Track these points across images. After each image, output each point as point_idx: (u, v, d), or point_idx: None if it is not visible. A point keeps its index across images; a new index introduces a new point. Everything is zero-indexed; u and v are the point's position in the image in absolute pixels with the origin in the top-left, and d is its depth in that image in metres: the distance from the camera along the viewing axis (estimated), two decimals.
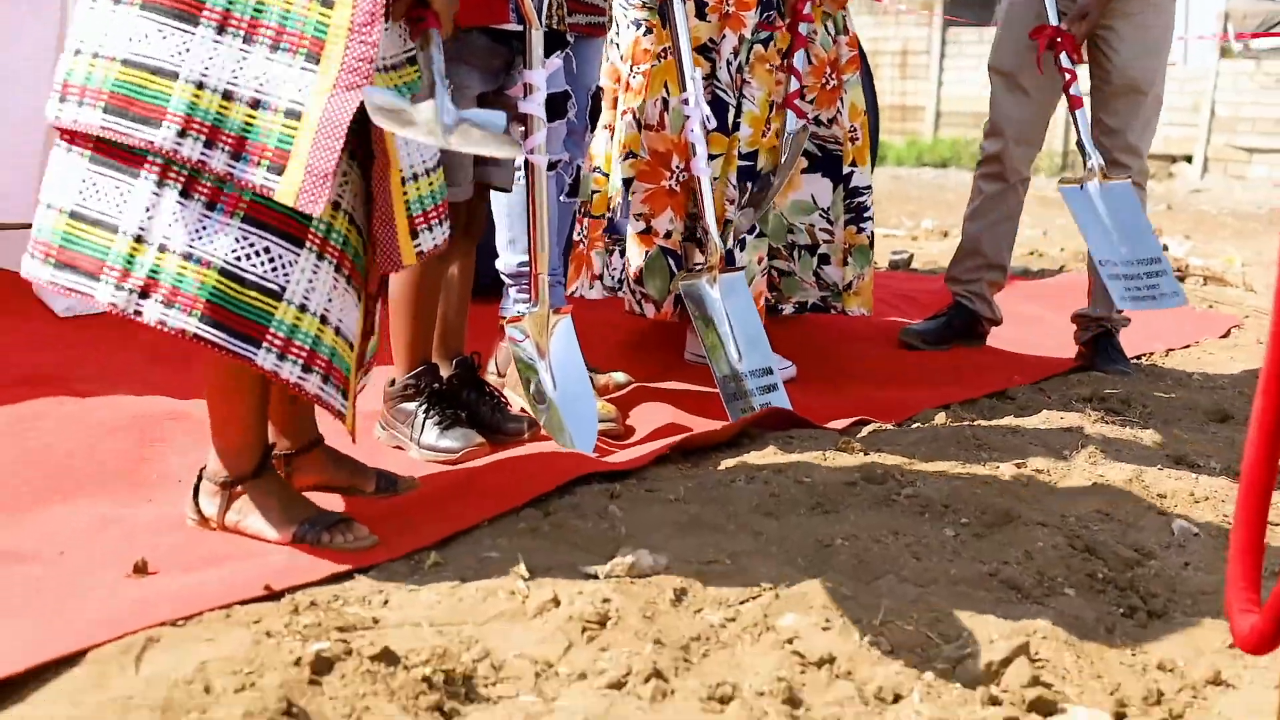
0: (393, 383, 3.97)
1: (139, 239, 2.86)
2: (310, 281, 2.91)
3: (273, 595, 2.74)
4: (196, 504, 3.17)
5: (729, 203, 4.86)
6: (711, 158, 4.81)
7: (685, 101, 4.60)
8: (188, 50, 2.86)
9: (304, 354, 2.92)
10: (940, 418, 4.48)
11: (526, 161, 3.89)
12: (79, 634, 2.48)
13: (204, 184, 2.88)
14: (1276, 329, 2.06)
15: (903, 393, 4.80)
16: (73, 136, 2.92)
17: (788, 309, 5.22)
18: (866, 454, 3.92)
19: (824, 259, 5.20)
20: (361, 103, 2.83)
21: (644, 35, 4.79)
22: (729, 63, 4.87)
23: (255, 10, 2.88)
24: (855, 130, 5.18)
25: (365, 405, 4.15)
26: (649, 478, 3.63)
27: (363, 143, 2.99)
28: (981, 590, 2.99)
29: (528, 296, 4.04)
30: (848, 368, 5.29)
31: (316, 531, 3.04)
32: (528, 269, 4.04)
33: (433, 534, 3.10)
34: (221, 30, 2.87)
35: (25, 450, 3.56)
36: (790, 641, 2.64)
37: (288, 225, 2.89)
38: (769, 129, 4.95)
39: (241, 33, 2.87)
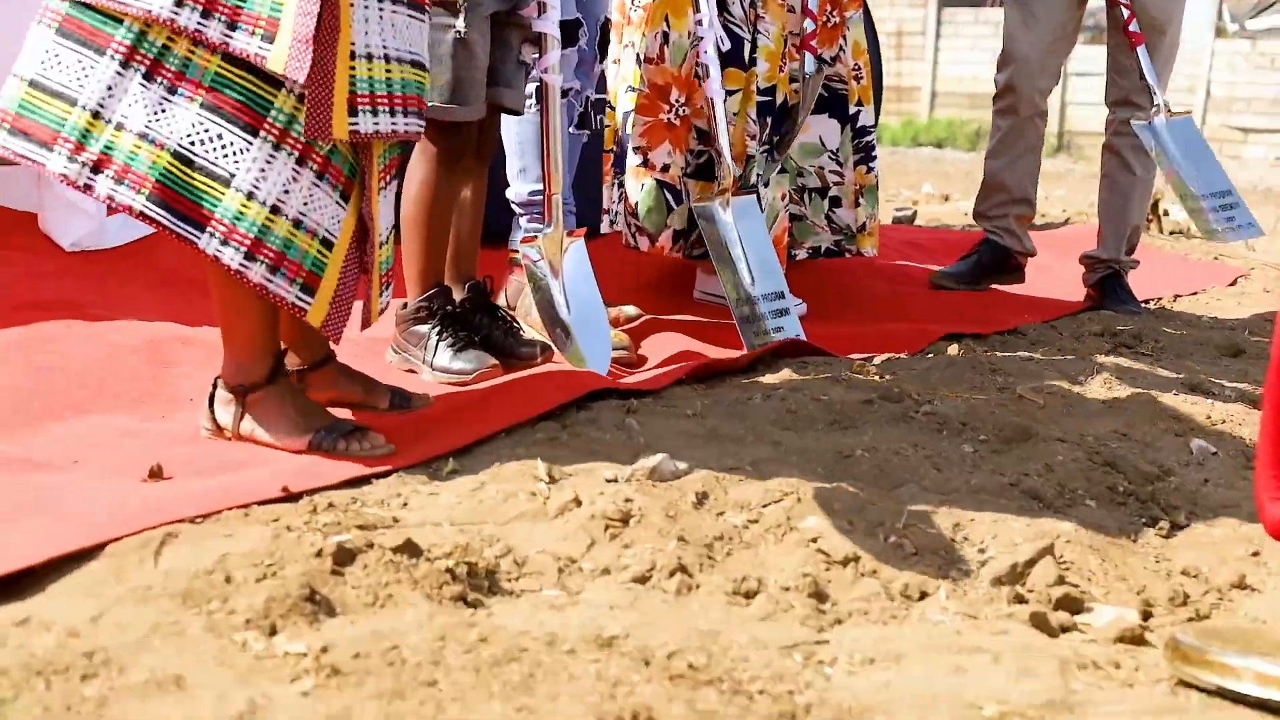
0: (405, 306, 3.94)
1: (96, 115, 2.87)
2: (262, 171, 2.89)
3: (290, 497, 2.71)
4: (212, 413, 3.14)
5: (750, 138, 4.82)
6: (730, 93, 4.77)
7: (699, 23, 4.56)
8: None
9: (248, 241, 2.89)
10: (954, 349, 4.45)
11: (540, 82, 3.85)
12: (96, 530, 2.45)
13: (168, 69, 2.87)
14: None
15: (915, 326, 4.77)
16: (45, 10, 2.92)
17: (801, 254, 5.18)
18: (882, 378, 3.90)
19: (835, 201, 5.16)
20: None
21: None
22: (740, 1, 4.83)
23: None
24: (859, 69, 5.13)
25: (378, 330, 4.15)
26: (665, 396, 3.60)
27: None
28: (1003, 499, 2.97)
29: (540, 225, 4.01)
30: (858, 305, 5.26)
31: (333, 439, 3.02)
32: (539, 197, 4.02)
33: (450, 443, 3.07)
34: None
35: (37, 369, 3.53)
36: (814, 541, 2.61)
37: (244, 113, 2.88)
38: (785, 64, 4.91)
39: None
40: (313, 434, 3.04)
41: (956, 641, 2.29)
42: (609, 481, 2.83)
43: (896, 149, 18.34)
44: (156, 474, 2.86)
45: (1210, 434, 3.63)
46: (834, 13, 5.04)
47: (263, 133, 2.90)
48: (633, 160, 4.79)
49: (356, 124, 2.97)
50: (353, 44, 2.93)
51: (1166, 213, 9.28)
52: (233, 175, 2.88)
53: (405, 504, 2.73)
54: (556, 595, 2.40)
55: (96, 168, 2.87)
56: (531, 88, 4.06)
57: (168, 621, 2.13)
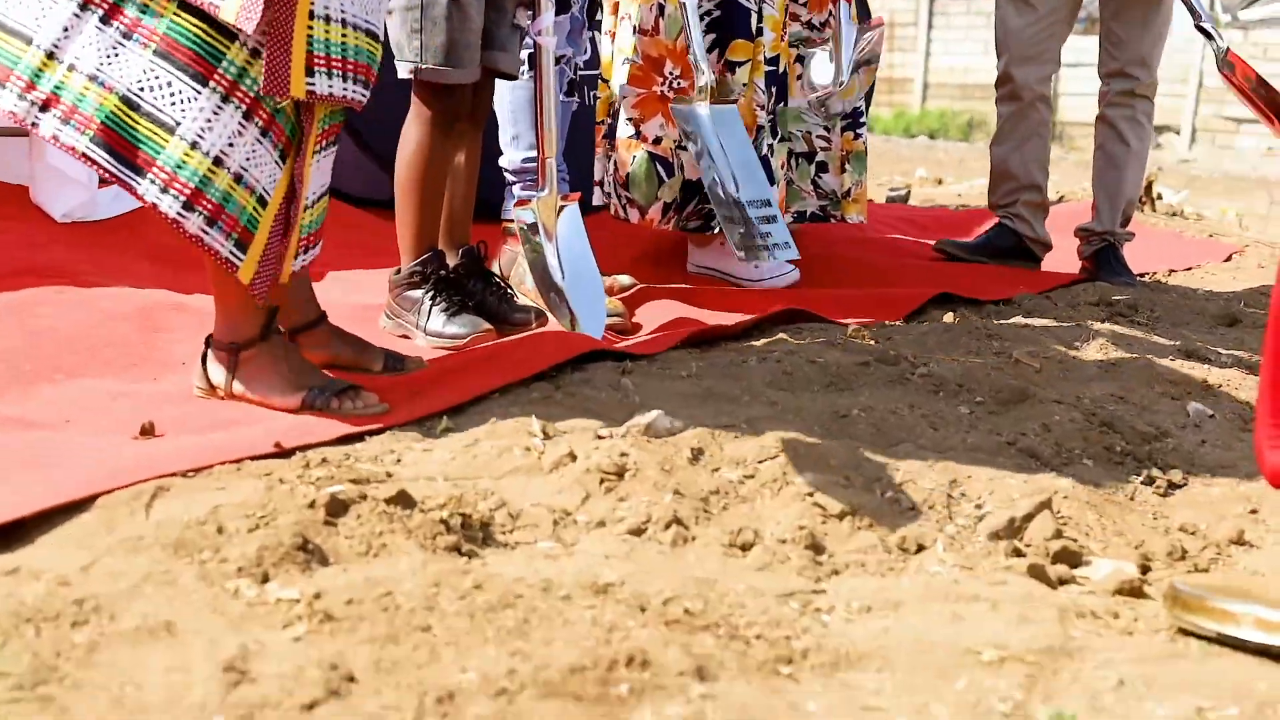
0: (398, 271, 3.92)
1: (50, 55, 2.86)
2: (209, 122, 2.87)
3: (283, 453, 2.69)
4: (205, 373, 3.13)
5: (759, 107, 4.81)
6: (739, 64, 4.76)
7: None
8: None
9: (188, 191, 2.87)
10: (949, 316, 4.44)
11: (534, 45, 3.83)
12: (87, 482, 2.43)
13: (125, 14, 2.86)
14: None
15: (909, 291, 4.75)
16: None
17: (787, 218, 5.16)
18: (878, 342, 3.88)
19: (822, 167, 5.14)
20: None
21: None
22: None
23: None
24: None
25: (371, 298, 4.13)
26: (660, 358, 3.58)
27: None
28: (1000, 457, 2.95)
29: (533, 190, 3.99)
30: (853, 274, 5.24)
31: (325, 397, 3.00)
32: (532, 164, 4.00)
33: (444, 401, 3.05)
34: None
35: (28, 332, 3.52)
36: (810, 495, 2.60)
37: (196, 63, 2.87)
38: (785, 32, 4.90)
39: None
40: (305, 392, 3.02)
41: (954, 590, 2.28)
42: (603, 437, 2.81)
43: (889, 138, 18.33)
44: (148, 431, 2.84)
45: (1207, 397, 3.62)
46: None
47: (212, 83, 2.88)
48: (624, 131, 4.77)
49: (313, 84, 2.94)
50: (312, 4, 2.91)
51: (1160, 196, 9.28)
52: (178, 123, 2.86)
53: (399, 460, 2.71)
54: (551, 546, 2.38)
55: (45, 106, 2.86)
56: (525, 55, 4.04)
57: (159, 570, 2.11)
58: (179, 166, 2.86)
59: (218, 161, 2.89)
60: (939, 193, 9.81)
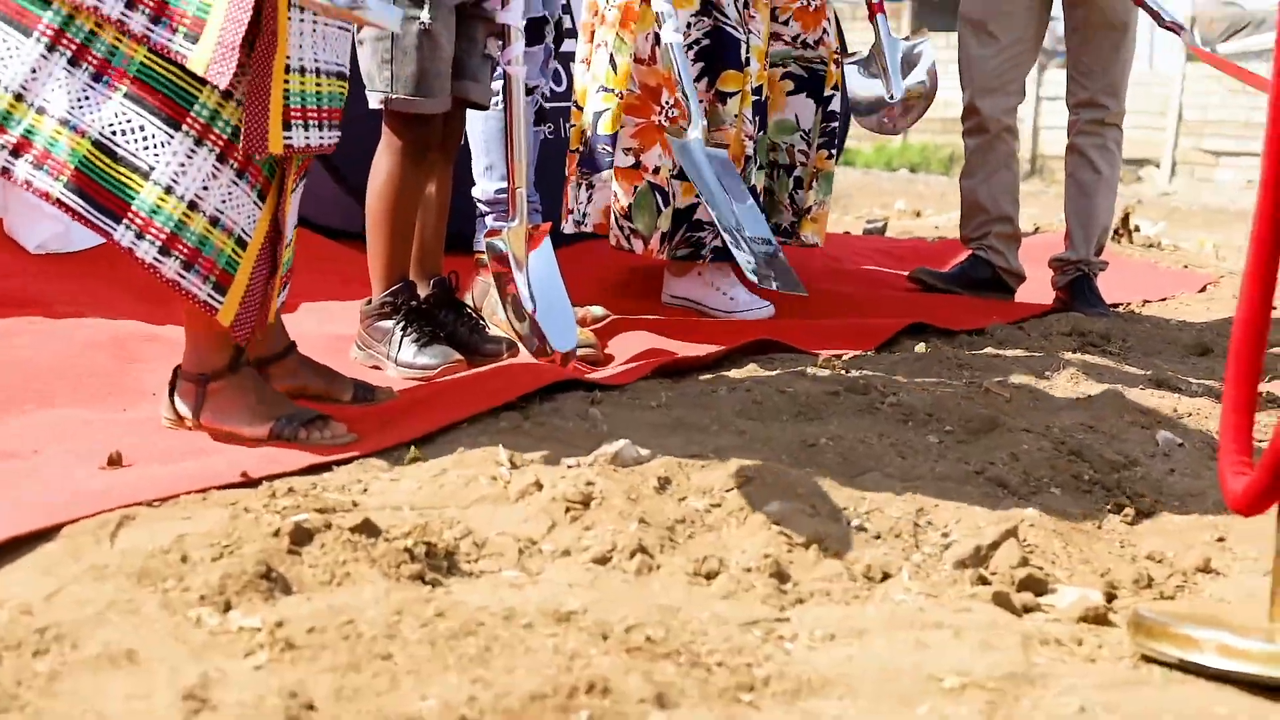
0: (369, 302, 3.92)
1: (19, 97, 2.85)
2: (182, 165, 2.88)
3: (250, 482, 2.70)
4: (173, 404, 3.12)
5: (746, 138, 4.82)
6: (730, 95, 4.78)
7: None
8: None
9: (163, 236, 2.88)
10: (921, 346, 4.44)
11: (505, 75, 3.84)
12: (53, 512, 2.44)
13: (94, 55, 2.86)
14: (1270, 153, 2.04)
15: (881, 321, 4.75)
16: None
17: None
18: (847, 372, 3.89)
19: (799, 182, 5.15)
20: None
21: None
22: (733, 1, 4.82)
23: None
24: (840, 52, 5.15)
25: (343, 329, 4.13)
26: (630, 388, 3.58)
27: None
28: (968, 486, 2.96)
29: (505, 221, 3.99)
30: (824, 303, 5.24)
31: (294, 427, 3.00)
32: (504, 195, 4.00)
33: (412, 431, 3.06)
34: None
35: (1, 363, 3.52)
36: (776, 524, 2.60)
37: (168, 107, 2.87)
38: (766, 61, 4.93)
39: None
40: (273, 423, 3.02)
41: (919, 618, 2.28)
42: (570, 466, 2.81)
43: (870, 171, 18.40)
44: (116, 461, 2.85)
45: (1177, 427, 3.63)
46: None
47: (185, 127, 2.88)
48: (624, 161, 4.75)
49: (290, 138, 2.96)
50: (288, 58, 2.92)
51: (1137, 228, 9.31)
52: (152, 168, 2.87)
53: (365, 489, 2.71)
54: (516, 575, 2.39)
55: (16, 151, 2.85)
56: (497, 85, 4.05)
57: (122, 599, 2.12)
58: (154, 211, 2.87)
59: (193, 205, 2.89)
60: (917, 225, 9.85)
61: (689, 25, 4.63)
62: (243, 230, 2.96)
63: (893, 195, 14.03)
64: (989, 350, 4.50)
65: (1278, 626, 2.16)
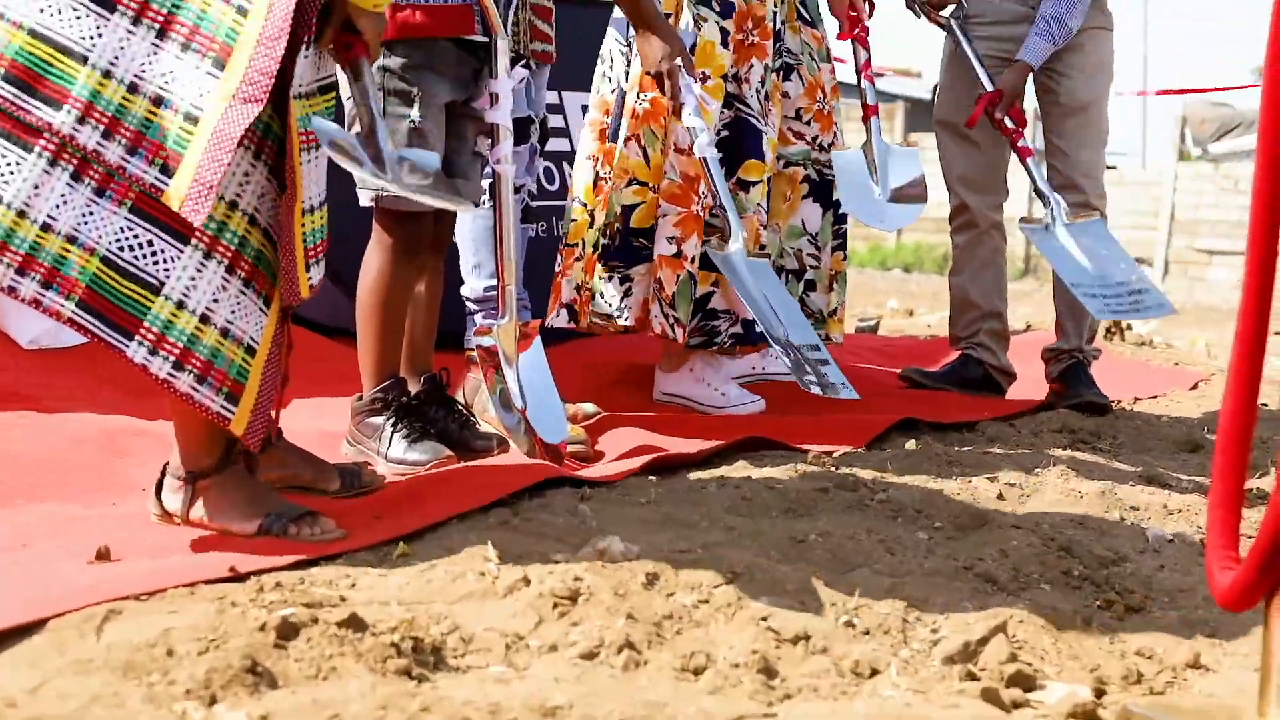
0: (359, 398, 3.93)
1: (22, 214, 2.82)
2: (193, 279, 2.88)
3: (238, 577, 2.69)
4: (160, 500, 3.12)
5: (761, 226, 4.88)
6: (753, 184, 4.84)
7: (687, 88, 4.54)
8: (100, 35, 2.84)
9: (177, 351, 2.88)
10: (911, 443, 4.45)
11: (494, 173, 3.86)
12: (39, 605, 2.44)
13: (96, 169, 2.85)
14: (1252, 253, 2.06)
15: (872, 417, 4.76)
16: None
17: None
18: (838, 468, 3.89)
19: (810, 285, 5.18)
20: (262, 112, 2.84)
21: None
22: (757, 90, 4.88)
23: (174, 6, 2.87)
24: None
25: (334, 425, 4.14)
26: (620, 485, 3.59)
27: (277, 151, 2.96)
28: (957, 582, 2.96)
29: (495, 319, 4.00)
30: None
31: (283, 523, 3.00)
32: (494, 294, 4.02)
33: (401, 527, 3.06)
34: (137, 21, 2.86)
35: None
36: (764, 620, 2.59)
37: (175, 220, 2.86)
38: (779, 159, 5.03)
39: (157, 26, 2.86)
40: (263, 518, 3.02)
41: (906, 714, 2.27)
42: (559, 562, 2.81)
43: (864, 271, 18.45)
44: (104, 556, 2.84)
45: (1167, 522, 3.64)
46: (825, 99, 5.10)
47: (194, 241, 2.88)
48: (667, 250, 4.75)
49: (312, 278, 3.01)
50: (302, 202, 2.95)
51: (1129, 326, 9.34)
52: (163, 283, 2.87)
53: (353, 584, 2.71)
54: (502, 670, 2.38)
55: (21, 269, 2.83)
56: (485, 184, 4.08)
57: (108, 693, 2.11)
58: (167, 327, 2.87)
59: (205, 319, 2.90)
60: (909, 324, 9.88)
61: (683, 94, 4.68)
62: (251, 338, 2.96)
63: (886, 294, 14.07)
64: (980, 446, 4.51)
65: None
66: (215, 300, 2.90)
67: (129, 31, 2.85)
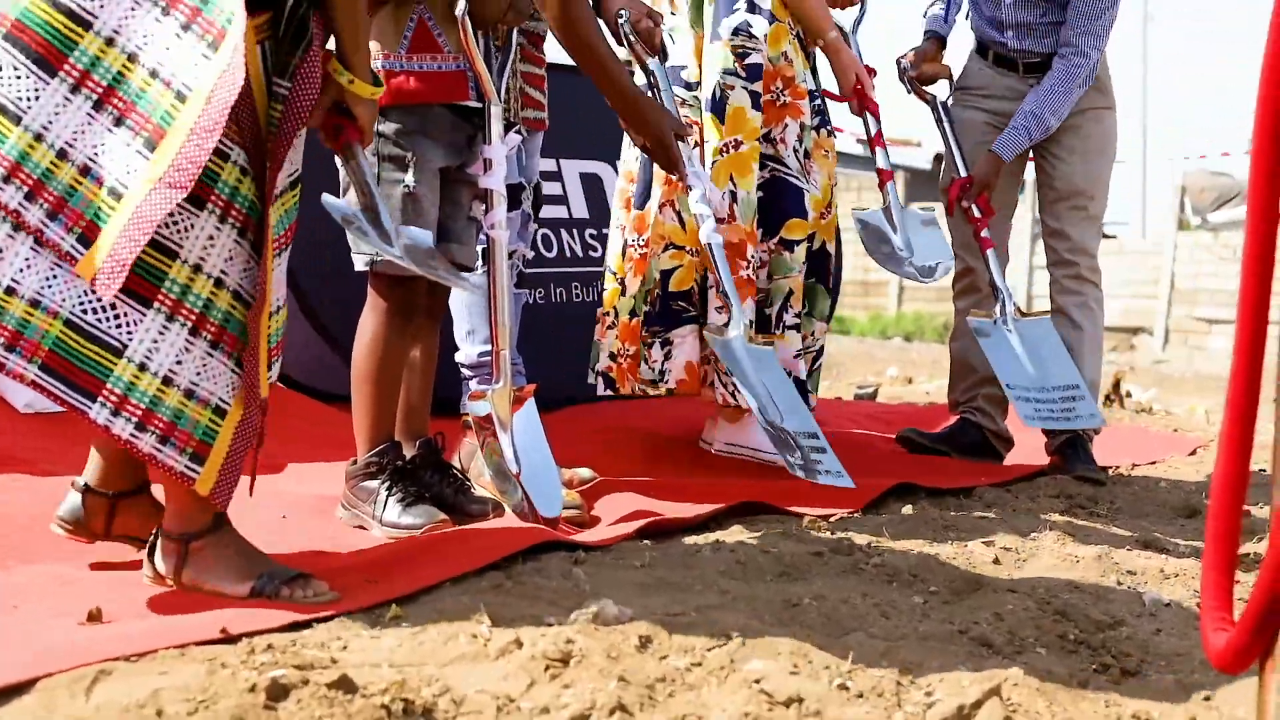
0: (354, 462, 3.93)
1: None
2: (155, 342, 2.90)
3: (229, 638, 2.68)
4: (152, 563, 3.12)
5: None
6: (796, 243, 4.86)
7: (694, 174, 4.56)
8: (37, 98, 2.85)
9: (139, 412, 2.90)
10: (908, 508, 4.44)
11: (487, 238, 3.88)
12: (29, 666, 2.43)
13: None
14: (1243, 315, 2.06)
15: (867, 482, 4.75)
16: None
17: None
18: (833, 532, 3.89)
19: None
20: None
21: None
22: (795, 150, 4.90)
23: (114, 80, 2.89)
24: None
25: (329, 489, 4.13)
26: (614, 548, 3.58)
27: (246, 211, 2.96)
28: (952, 645, 2.95)
29: (489, 385, 4.00)
30: None
31: (275, 585, 3.00)
32: (488, 359, 4.02)
33: (393, 589, 3.05)
34: (76, 89, 2.87)
35: None
36: (757, 682, 2.58)
37: (137, 284, 2.88)
38: (829, 211, 5.04)
39: (95, 97, 2.88)
40: (255, 580, 3.02)
41: None
42: (551, 624, 2.80)
43: (864, 340, 18.48)
44: (95, 617, 2.83)
45: (1164, 586, 3.63)
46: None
47: (156, 304, 2.90)
48: (718, 319, 4.77)
49: (272, 376, 3.05)
50: (270, 305, 2.98)
51: (1128, 394, 9.35)
52: (125, 345, 2.89)
53: (345, 646, 2.70)
54: None
55: None
56: (478, 249, 4.09)
57: None
58: (130, 389, 2.90)
59: (167, 381, 2.92)
60: (908, 391, 9.88)
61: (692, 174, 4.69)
62: (221, 399, 2.98)
63: (885, 363, 14.09)
64: (976, 512, 4.51)
65: None
66: (178, 363, 2.92)
67: (66, 99, 2.86)
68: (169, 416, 2.92)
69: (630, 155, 4.96)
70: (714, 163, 4.78)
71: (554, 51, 4.63)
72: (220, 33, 2.85)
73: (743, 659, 2.68)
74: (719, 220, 4.74)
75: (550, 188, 6.28)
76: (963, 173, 5.52)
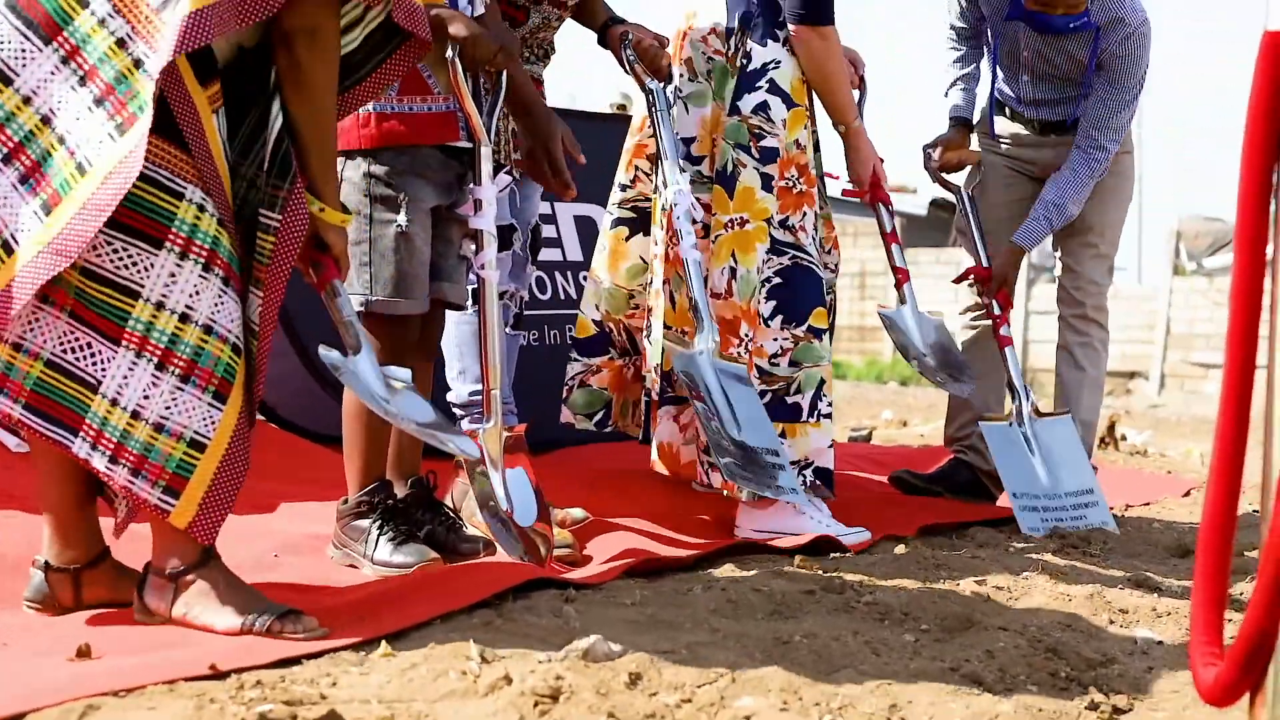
0: (345, 501, 3.92)
1: None
2: (125, 378, 2.99)
3: (219, 674, 2.68)
4: (142, 599, 3.12)
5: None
6: (823, 331, 4.80)
7: (680, 192, 4.55)
8: None
9: (111, 446, 2.99)
10: (900, 548, 4.44)
11: (477, 279, 3.88)
12: (17, 700, 2.42)
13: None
14: (1231, 351, 2.06)
15: (862, 521, 4.75)
16: None
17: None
18: (825, 572, 3.89)
19: None
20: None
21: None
22: (813, 238, 4.86)
23: (25, 138, 2.98)
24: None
25: (320, 528, 4.13)
26: (605, 587, 3.59)
27: (210, 245, 3.01)
28: (943, 683, 2.94)
29: (480, 423, 3.99)
30: None
31: (266, 620, 3.00)
32: (479, 398, 4.02)
33: (383, 626, 3.04)
34: None
35: None
36: (747, 719, 2.58)
37: (105, 325, 2.98)
38: (832, 291, 5.04)
39: (4, 151, 2.97)
40: (245, 616, 3.02)
41: None
42: (541, 661, 2.80)
43: (859, 385, 18.47)
44: (84, 653, 2.83)
45: (1156, 625, 3.63)
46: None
47: (124, 341, 2.99)
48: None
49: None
50: None
51: (1124, 436, 9.36)
52: (99, 381, 2.98)
53: (334, 682, 2.69)
54: None
55: None
56: (469, 289, 4.09)
57: None
58: (104, 423, 2.99)
59: (135, 415, 3.00)
60: (902, 434, 9.88)
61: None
62: (196, 432, 3.02)
63: (881, 406, 14.09)
64: (968, 551, 4.50)
65: None
66: (145, 397, 2.99)
67: None
68: (139, 450, 3.00)
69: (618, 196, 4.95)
70: (718, 236, 4.73)
71: (550, 94, 4.65)
72: (130, 118, 2.94)
73: (733, 696, 2.68)
74: (715, 295, 4.68)
75: (546, 231, 6.28)
76: (985, 262, 5.53)
